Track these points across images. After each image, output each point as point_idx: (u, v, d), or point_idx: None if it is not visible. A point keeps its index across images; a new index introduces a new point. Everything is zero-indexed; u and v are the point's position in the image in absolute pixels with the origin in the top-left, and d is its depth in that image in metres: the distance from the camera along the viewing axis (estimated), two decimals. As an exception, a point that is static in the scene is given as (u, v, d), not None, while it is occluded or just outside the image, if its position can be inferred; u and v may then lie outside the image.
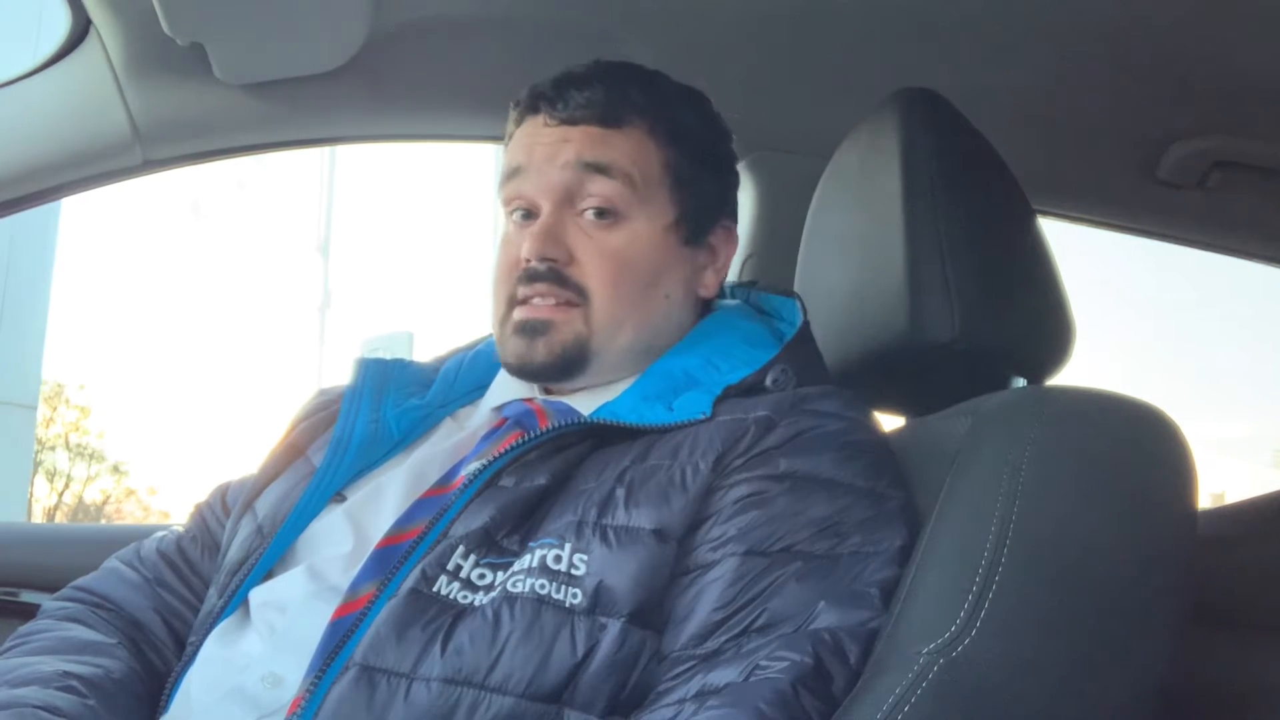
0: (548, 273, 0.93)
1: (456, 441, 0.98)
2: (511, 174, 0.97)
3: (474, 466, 0.89)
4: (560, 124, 0.95)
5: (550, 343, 0.93)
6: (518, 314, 0.95)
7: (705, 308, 1.02)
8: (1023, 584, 0.76)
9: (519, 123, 0.99)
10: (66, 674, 0.85)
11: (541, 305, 0.94)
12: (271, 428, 1.03)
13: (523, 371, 0.95)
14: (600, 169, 0.94)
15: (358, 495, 0.94)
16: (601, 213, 0.94)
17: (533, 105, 0.98)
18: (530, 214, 0.96)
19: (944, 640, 0.74)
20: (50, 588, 1.01)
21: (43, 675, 0.85)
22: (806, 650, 0.75)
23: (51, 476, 12.87)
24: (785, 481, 0.82)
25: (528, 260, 0.94)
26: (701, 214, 0.99)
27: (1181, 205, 1.59)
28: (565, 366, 0.94)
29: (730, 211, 1.03)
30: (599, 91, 0.95)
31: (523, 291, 0.94)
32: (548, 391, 0.98)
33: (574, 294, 0.93)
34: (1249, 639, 1.15)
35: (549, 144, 0.95)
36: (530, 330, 0.94)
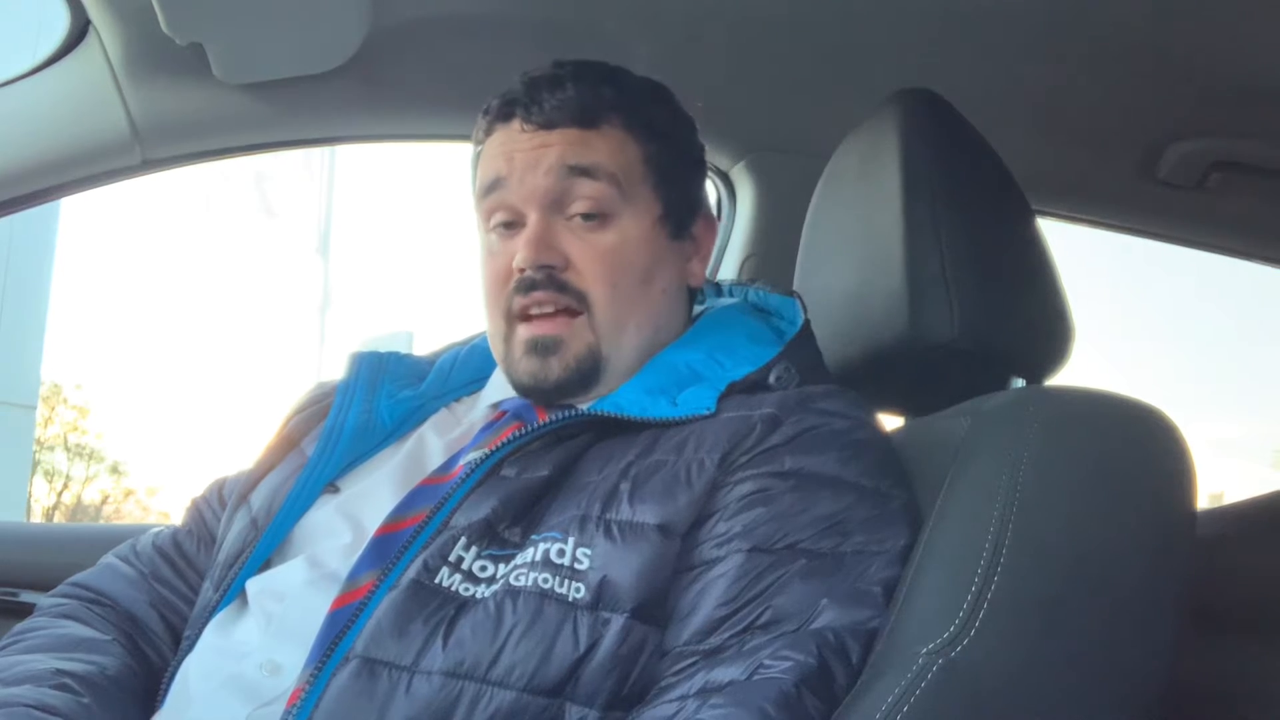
0: (545, 280, 0.92)
1: (453, 433, 0.98)
2: (492, 186, 0.94)
3: (474, 456, 0.89)
4: (538, 129, 0.93)
5: (564, 359, 0.92)
6: (523, 331, 0.93)
7: (693, 297, 1.02)
8: (1021, 585, 0.76)
9: (489, 131, 0.96)
10: (60, 672, 0.85)
11: (543, 317, 0.92)
12: (271, 428, 1.03)
13: (538, 391, 0.93)
14: (585, 172, 0.92)
15: (351, 486, 0.94)
16: (590, 215, 0.93)
17: (505, 112, 0.95)
18: (513, 224, 0.94)
19: (943, 640, 0.74)
20: (49, 587, 1.01)
21: (36, 673, 0.85)
22: (810, 650, 0.75)
23: (50, 476, 12.88)
24: (790, 479, 0.82)
25: (522, 269, 0.92)
26: (683, 206, 0.99)
27: (1181, 206, 1.59)
28: (582, 380, 0.93)
29: (706, 200, 1.03)
30: (572, 91, 0.93)
31: (520, 302, 0.92)
32: None
33: (573, 300, 0.92)
34: (1247, 639, 1.15)
35: (529, 150, 0.93)
36: (542, 349, 0.92)
